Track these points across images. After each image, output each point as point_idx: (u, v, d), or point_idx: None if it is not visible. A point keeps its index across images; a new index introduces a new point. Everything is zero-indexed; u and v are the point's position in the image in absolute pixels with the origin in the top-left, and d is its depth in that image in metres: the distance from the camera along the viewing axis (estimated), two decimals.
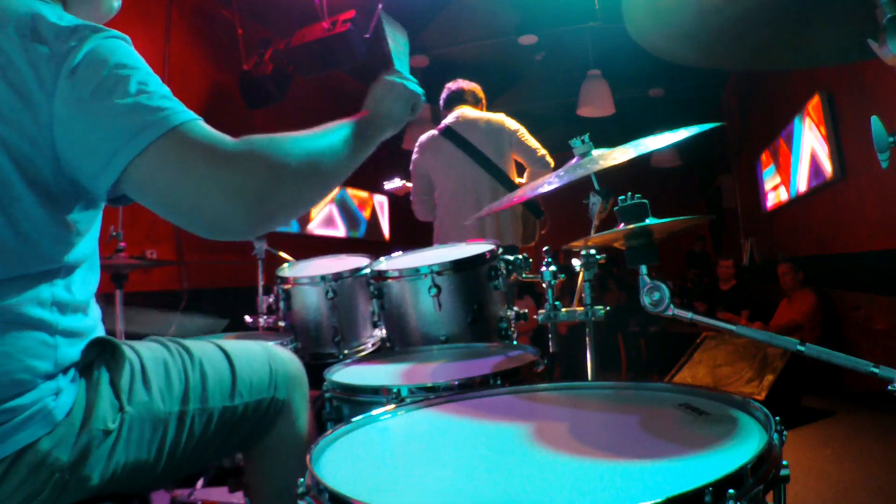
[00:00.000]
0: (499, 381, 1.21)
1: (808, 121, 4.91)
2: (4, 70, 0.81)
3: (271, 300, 2.21)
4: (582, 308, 1.49)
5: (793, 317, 4.75)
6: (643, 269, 1.00)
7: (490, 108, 3.16)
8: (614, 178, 1.11)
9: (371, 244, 6.91)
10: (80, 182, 0.86)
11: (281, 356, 1.20)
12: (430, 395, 1.16)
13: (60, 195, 0.87)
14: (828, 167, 4.56)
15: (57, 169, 0.84)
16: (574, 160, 1.35)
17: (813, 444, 3.35)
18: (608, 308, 1.50)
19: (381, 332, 1.82)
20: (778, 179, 6.06)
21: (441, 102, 3.16)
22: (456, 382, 1.20)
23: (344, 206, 6.56)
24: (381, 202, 7.36)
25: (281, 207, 0.87)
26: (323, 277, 1.94)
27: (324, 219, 6.16)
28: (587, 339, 1.51)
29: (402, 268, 1.69)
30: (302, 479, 0.74)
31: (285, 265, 2.25)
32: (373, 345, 2.00)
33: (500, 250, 1.76)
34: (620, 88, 6.23)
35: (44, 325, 0.87)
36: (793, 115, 5.24)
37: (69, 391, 0.89)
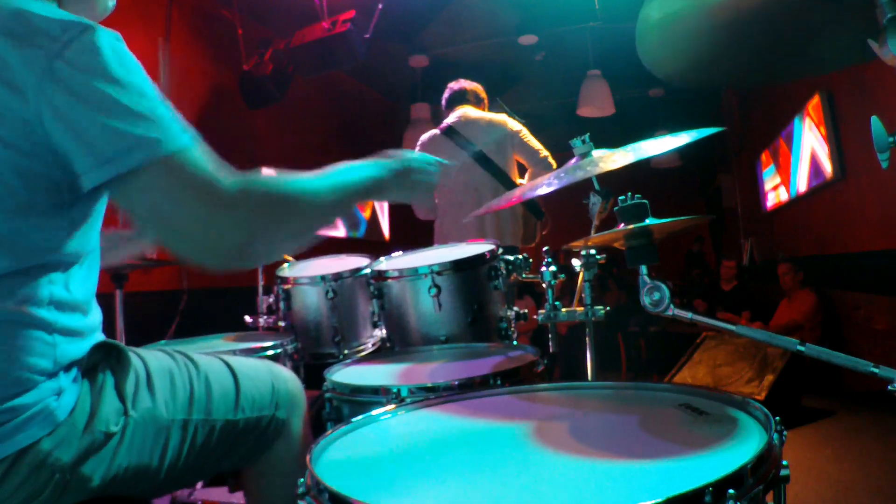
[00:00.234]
0: (499, 381, 1.21)
1: (808, 121, 4.91)
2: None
3: (271, 300, 2.21)
4: (582, 308, 1.49)
5: (793, 317, 4.75)
6: (643, 269, 1.00)
7: (491, 109, 3.16)
8: (614, 178, 1.11)
9: (371, 244, 6.91)
10: (73, 172, 0.85)
11: (283, 375, 1.21)
12: (430, 395, 1.16)
13: (57, 189, 0.86)
14: (828, 167, 4.56)
15: (55, 163, 0.83)
16: (574, 160, 1.35)
17: (813, 444, 3.35)
18: (608, 308, 1.50)
19: (381, 332, 1.82)
20: (778, 179, 6.06)
21: (443, 102, 3.16)
22: (456, 382, 1.20)
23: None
24: (381, 202, 7.35)
25: (261, 256, 0.89)
26: (323, 277, 1.94)
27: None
28: (587, 339, 1.51)
29: (402, 268, 1.69)
30: (302, 479, 0.74)
31: (285, 265, 2.25)
32: (373, 345, 2.00)
33: (500, 250, 1.76)
34: (620, 88, 6.23)
35: (42, 324, 0.87)
36: (793, 115, 5.24)
37: (71, 392, 0.89)
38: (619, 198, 1.02)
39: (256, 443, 1.13)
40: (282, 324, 2.10)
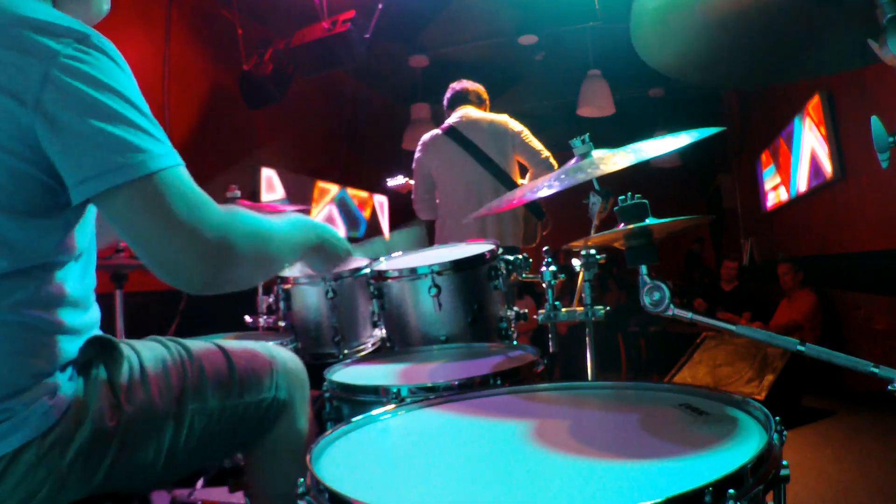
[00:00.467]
0: (499, 381, 1.21)
1: (808, 121, 4.91)
2: None
3: (271, 300, 2.21)
4: (582, 308, 1.49)
5: (793, 317, 4.75)
6: (643, 269, 1.00)
7: (490, 109, 3.16)
8: (614, 178, 1.11)
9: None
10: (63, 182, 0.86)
11: (282, 356, 1.20)
12: (430, 395, 1.16)
13: (53, 193, 0.86)
14: (828, 167, 4.56)
15: (49, 170, 0.84)
16: (574, 160, 1.35)
17: (813, 444, 3.35)
18: (608, 308, 1.50)
19: (381, 332, 1.82)
20: (778, 179, 6.06)
21: (444, 102, 3.16)
22: (456, 382, 1.20)
23: (344, 206, 6.56)
24: (381, 202, 7.35)
25: (229, 284, 0.91)
26: (323, 277, 1.94)
27: (324, 219, 6.16)
28: (587, 339, 1.51)
29: (402, 268, 1.69)
30: (302, 479, 0.74)
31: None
32: (373, 345, 2.00)
33: (500, 250, 1.76)
34: (620, 88, 6.23)
35: (40, 323, 0.87)
36: (793, 115, 5.24)
37: (67, 389, 0.89)
38: (619, 198, 1.02)
39: (258, 425, 1.12)
40: (282, 324, 2.10)
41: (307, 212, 5.79)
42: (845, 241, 4.57)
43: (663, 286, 0.98)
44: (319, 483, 0.71)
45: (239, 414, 1.08)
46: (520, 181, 2.96)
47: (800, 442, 3.40)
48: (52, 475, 0.85)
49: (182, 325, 3.76)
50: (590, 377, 1.48)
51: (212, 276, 0.87)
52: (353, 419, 1.00)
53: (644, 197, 1.01)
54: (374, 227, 7.18)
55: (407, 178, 3.16)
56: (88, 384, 0.92)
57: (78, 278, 0.94)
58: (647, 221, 0.98)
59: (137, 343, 1.05)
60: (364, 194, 7.01)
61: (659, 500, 0.57)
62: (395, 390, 1.19)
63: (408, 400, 1.14)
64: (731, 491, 0.59)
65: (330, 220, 6.26)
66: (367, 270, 1.85)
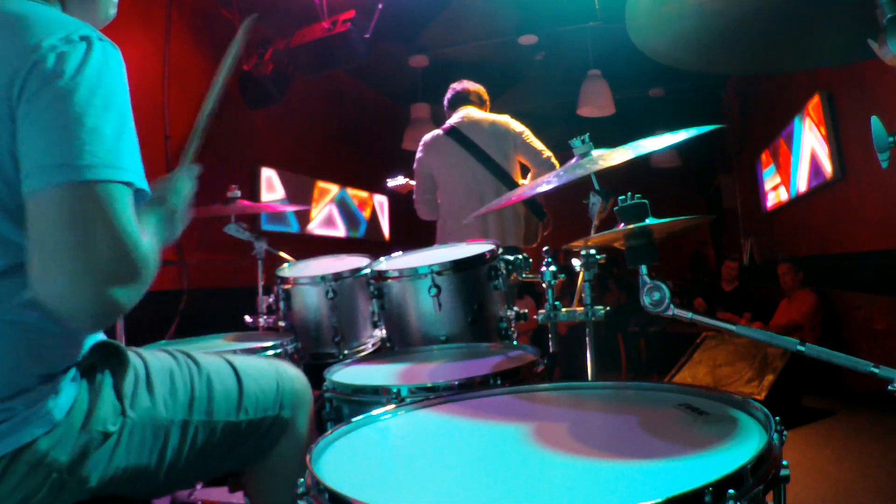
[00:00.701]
0: (499, 381, 1.21)
1: (808, 121, 4.91)
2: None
3: (271, 300, 2.21)
4: (582, 308, 1.49)
5: (793, 317, 4.74)
6: (643, 269, 1.00)
7: (490, 109, 3.16)
8: (614, 178, 1.11)
9: (371, 244, 6.91)
10: None
11: (289, 373, 1.21)
12: (430, 395, 1.16)
13: None
14: (828, 167, 4.56)
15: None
16: (574, 160, 1.35)
17: (813, 444, 3.35)
18: (608, 308, 1.50)
19: (381, 332, 1.82)
20: (778, 179, 6.06)
21: (445, 102, 3.16)
22: (456, 382, 1.20)
23: (344, 206, 6.56)
24: (381, 202, 7.36)
25: (115, 311, 0.81)
26: (323, 277, 1.94)
27: (324, 219, 6.16)
28: (587, 339, 1.51)
29: (402, 268, 1.69)
30: (302, 480, 0.74)
31: (285, 265, 2.25)
32: (373, 345, 2.00)
33: (500, 250, 1.76)
34: (620, 88, 6.23)
35: (43, 324, 0.87)
36: (793, 115, 5.24)
37: (69, 391, 0.89)
38: (619, 198, 1.02)
39: (260, 443, 1.13)
40: (282, 324, 2.10)
41: (307, 212, 5.76)
42: (845, 241, 4.57)
43: (663, 286, 0.97)
44: (319, 483, 0.71)
45: (242, 430, 1.08)
46: (521, 181, 2.96)
47: (800, 442, 3.40)
48: (51, 476, 0.85)
49: (182, 325, 3.76)
50: (590, 377, 1.48)
51: (92, 325, 0.82)
52: (353, 419, 1.00)
53: (644, 197, 1.01)
54: (374, 227, 7.18)
55: (407, 179, 3.16)
56: (92, 388, 0.92)
57: None
58: (647, 221, 0.98)
59: (145, 352, 1.05)
60: (364, 194, 7.01)
61: (659, 500, 0.57)
62: (395, 390, 1.19)
63: (408, 400, 1.14)
64: (731, 491, 0.59)
65: (330, 220, 6.26)
66: (367, 270, 1.85)
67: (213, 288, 4.24)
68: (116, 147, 0.81)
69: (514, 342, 1.71)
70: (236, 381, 1.10)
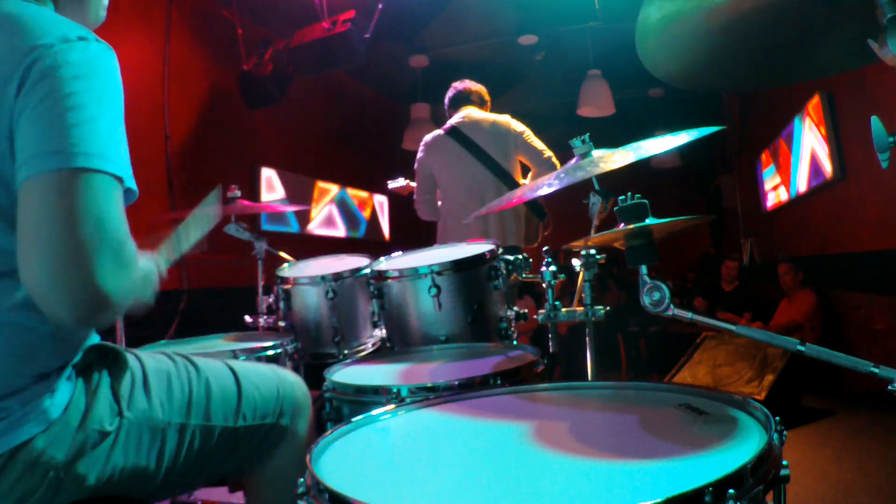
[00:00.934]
0: (499, 381, 1.21)
1: (808, 121, 4.91)
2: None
3: (271, 300, 2.21)
4: (582, 308, 1.49)
5: (793, 317, 4.74)
6: (643, 269, 1.00)
7: (490, 109, 3.16)
8: (614, 178, 1.11)
9: (371, 244, 6.91)
10: None
11: (290, 380, 1.20)
12: (430, 395, 1.16)
13: None
14: (828, 167, 4.56)
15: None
16: (574, 160, 1.35)
17: (813, 444, 3.35)
18: (608, 308, 1.50)
19: (381, 332, 1.82)
20: (778, 179, 6.06)
21: (446, 101, 3.15)
22: (456, 382, 1.20)
23: (344, 206, 6.56)
24: (381, 202, 7.36)
25: (103, 305, 0.79)
26: (323, 277, 1.94)
27: (324, 219, 6.16)
28: (587, 339, 1.51)
29: (402, 268, 1.69)
30: (302, 480, 0.74)
31: (285, 265, 2.25)
32: (373, 345, 2.00)
33: (500, 250, 1.76)
34: (620, 88, 6.23)
35: (38, 325, 0.87)
36: (793, 115, 5.24)
37: (64, 390, 0.89)
38: (619, 198, 1.02)
39: (258, 449, 1.13)
40: (282, 324, 2.10)
41: (307, 212, 5.76)
42: (845, 241, 4.57)
43: (663, 286, 0.97)
44: (319, 483, 0.71)
45: (240, 436, 1.08)
46: (522, 181, 2.96)
47: (800, 442, 3.40)
48: (49, 475, 0.85)
49: (182, 325, 3.76)
50: (590, 377, 1.48)
51: (93, 310, 0.78)
52: (353, 419, 1.00)
53: (644, 197, 1.01)
54: (374, 227, 7.19)
55: (407, 180, 3.16)
56: (89, 387, 0.92)
57: None
58: (647, 221, 0.98)
59: (143, 354, 1.05)
60: (364, 194, 7.01)
61: (659, 500, 0.57)
62: (395, 390, 1.19)
63: (408, 400, 1.14)
64: (731, 491, 0.59)
65: (330, 220, 6.26)
66: (367, 270, 1.85)
67: (213, 288, 4.24)
68: (109, 142, 0.81)
69: (514, 342, 1.71)
70: (236, 386, 1.09)
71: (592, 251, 1.47)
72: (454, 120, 3.02)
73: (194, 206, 1.19)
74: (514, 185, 2.90)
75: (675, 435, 0.83)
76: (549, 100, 7.54)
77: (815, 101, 4.64)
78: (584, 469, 0.73)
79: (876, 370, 0.84)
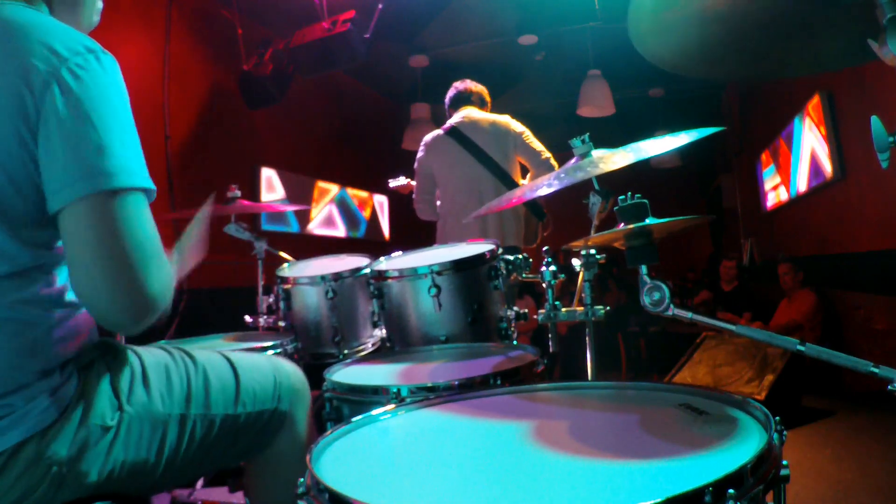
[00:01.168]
0: (499, 381, 1.21)
1: (808, 121, 4.91)
2: (10, 69, 0.83)
3: (271, 300, 2.21)
4: (582, 308, 1.49)
5: (793, 317, 4.74)
6: (643, 269, 1.00)
7: (490, 109, 3.16)
8: (614, 178, 1.11)
9: (371, 244, 6.91)
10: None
11: (286, 368, 1.21)
12: (430, 395, 1.16)
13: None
14: (828, 167, 4.56)
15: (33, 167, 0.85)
16: (574, 160, 1.35)
17: (813, 444, 3.35)
18: (608, 308, 1.50)
19: (381, 332, 1.82)
20: (778, 179, 6.06)
21: (447, 101, 3.15)
22: (456, 382, 1.20)
23: (344, 206, 6.56)
24: (381, 202, 7.36)
25: (153, 311, 0.88)
26: (323, 277, 1.94)
27: (324, 219, 6.16)
28: (587, 339, 1.51)
29: (402, 268, 1.69)
30: (302, 480, 0.74)
31: (285, 265, 2.25)
32: (373, 345, 2.00)
33: (500, 250, 1.76)
34: (620, 88, 6.23)
35: (39, 320, 0.88)
36: (793, 115, 5.24)
37: (67, 387, 0.89)
38: (619, 197, 1.02)
39: (259, 436, 1.13)
40: (282, 324, 2.10)
41: (307, 212, 5.77)
42: (845, 241, 4.57)
43: (663, 286, 0.97)
44: (319, 483, 0.71)
45: (241, 423, 1.09)
46: (521, 182, 2.96)
47: (800, 442, 3.40)
48: (51, 471, 0.85)
49: (182, 326, 3.76)
50: (590, 377, 1.48)
51: (139, 316, 0.86)
52: (353, 419, 1.00)
53: (644, 197, 1.01)
54: (374, 227, 7.19)
55: (408, 179, 3.16)
56: (90, 383, 0.93)
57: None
58: (647, 221, 0.98)
59: (141, 349, 1.06)
60: (364, 194, 7.01)
61: (659, 500, 0.57)
62: (395, 390, 1.19)
63: (408, 400, 1.14)
64: (731, 491, 0.59)
65: (330, 220, 6.26)
66: (367, 270, 1.85)
67: (212, 288, 4.23)
68: (131, 154, 0.87)
69: (514, 342, 1.71)
70: (233, 375, 1.10)
71: (592, 251, 1.47)
72: (454, 120, 3.02)
73: (194, 207, 1.20)
74: (514, 185, 2.90)
75: (675, 435, 0.83)
76: (549, 100, 7.54)
77: (815, 100, 4.64)
78: (584, 469, 0.73)
79: (876, 370, 0.84)
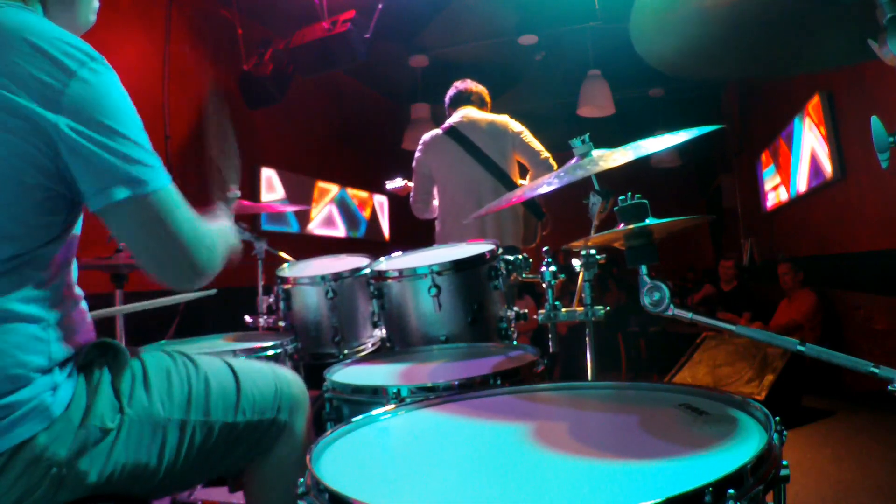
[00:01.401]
0: (499, 381, 1.21)
1: (808, 121, 4.91)
2: (15, 80, 0.83)
3: (271, 300, 2.21)
4: (582, 308, 1.49)
5: (793, 317, 4.74)
6: (643, 269, 1.00)
7: (490, 109, 3.16)
8: (614, 178, 1.11)
9: (371, 244, 6.91)
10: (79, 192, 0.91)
11: (287, 378, 1.21)
12: (430, 395, 1.16)
13: (58, 194, 0.89)
14: (828, 167, 4.56)
15: (57, 173, 0.87)
16: (574, 160, 1.35)
17: (813, 444, 3.35)
18: (608, 308, 1.50)
19: (381, 332, 1.82)
20: (778, 179, 6.06)
21: (447, 100, 3.15)
22: (456, 382, 1.20)
23: (344, 206, 6.56)
24: (381, 202, 7.36)
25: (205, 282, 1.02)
26: (323, 277, 1.94)
27: (324, 219, 6.16)
28: (587, 339, 1.51)
29: (401, 268, 1.69)
30: (302, 480, 0.74)
31: (285, 265, 2.25)
32: (373, 345, 2.00)
33: (500, 250, 1.76)
34: (620, 88, 6.23)
35: (34, 319, 0.88)
36: (793, 115, 5.24)
37: (66, 387, 0.89)
38: (619, 198, 1.02)
39: (257, 444, 1.13)
40: (282, 324, 2.10)
41: (307, 212, 5.77)
42: (845, 241, 4.57)
43: (663, 286, 0.97)
44: (319, 483, 0.71)
45: (240, 431, 1.09)
46: (520, 181, 2.96)
47: (800, 442, 3.40)
48: (51, 471, 0.85)
49: (182, 326, 3.76)
50: (590, 377, 1.48)
51: (199, 281, 1.00)
52: (353, 419, 1.00)
53: (644, 197, 1.01)
54: (374, 228, 7.18)
55: (405, 181, 3.16)
56: (90, 384, 0.93)
57: (69, 274, 0.96)
58: (647, 221, 0.98)
59: (143, 352, 1.06)
60: (364, 194, 7.01)
61: (659, 500, 0.57)
62: (395, 390, 1.19)
63: (408, 400, 1.14)
64: (731, 491, 0.59)
65: (330, 220, 6.26)
66: (367, 270, 1.85)
67: (212, 288, 4.23)
68: (151, 153, 0.92)
69: (514, 342, 1.71)
70: (234, 382, 1.10)
71: (592, 251, 1.47)
72: (452, 119, 3.02)
73: (194, 207, 1.20)
74: (512, 185, 2.90)
75: (675, 435, 0.83)
76: (549, 100, 7.54)
77: (815, 101, 4.64)
78: (584, 469, 0.73)
79: (876, 370, 0.84)
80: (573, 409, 1.04)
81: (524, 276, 1.76)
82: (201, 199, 1.31)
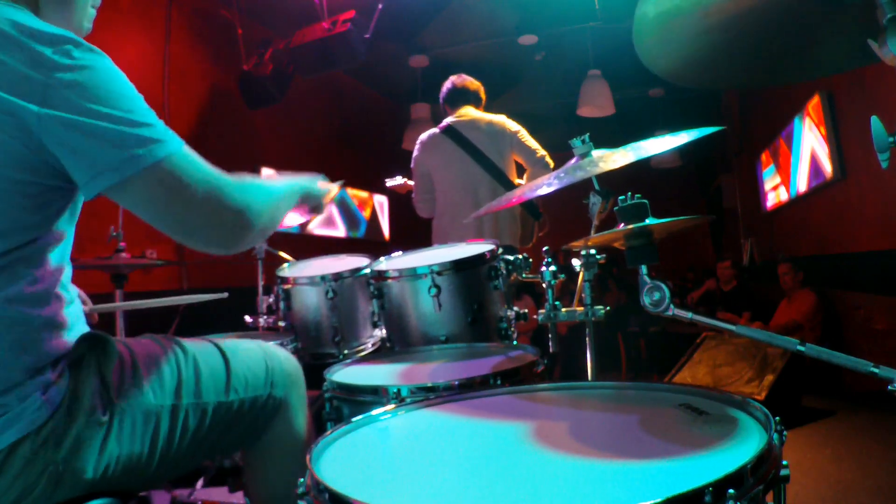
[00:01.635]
0: (499, 381, 1.21)
1: (808, 121, 4.91)
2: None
3: (271, 300, 2.21)
4: (582, 308, 1.48)
5: (793, 317, 4.75)
6: (643, 269, 1.00)
7: (490, 109, 3.15)
8: (614, 178, 1.11)
9: (371, 244, 6.91)
10: (70, 180, 0.88)
11: (277, 354, 1.21)
12: (430, 395, 1.16)
13: (54, 192, 0.88)
14: (828, 167, 4.56)
15: (45, 165, 0.86)
16: (574, 160, 1.35)
17: (813, 444, 3.35)
18: (608, 308, 1.50)
19: (381, 332, 1.82)
20: (778, 179, 6.06)
21: (443, 95, 3.13)
22: (456, 382, 1.20)
23: (344, 206, 6.55)
24: (381, 202, 7.36)
25: (248, 244, 1.00)
26: (323, 277, 1.94)
27: (324, 219, 6.16)
28: (587, 339, 1.51)
29: (401, 268, 1.69)
30: (302, 480, 0.74)
31: (285, 265, 2.25)
32: (373, 345, 2.00)
33: (500, 250, 1.76)
34: (620, 88, 6.23)
35: (29, 318, 0.88)
36: (793, 115, 5.25)
37: (59, 384, 0.89)
38: (619, 198, 1.02)
39: (253, 423, 1.13)
40: (282, 324, 2.10)
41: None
42: (845, 241, 4.57)
43: (663, 286, 0.97)
44: (319, 483, 0.71)
45: (234, 411, 1.09)
46: (517, 180, 2.96)
47: (800, 442, 3.40)
48: (47, 470, 0.85)
49: (182, 325, 3.76)
50: (590, 377, 1.48)
51: (234, 241, 0.95)
52: (353, 419, 1.00)
53: (644, 197, 1.01)
54: (374, 227, 7.18)
55: (405, 179, 3.16)
56: (80, 379, 0.92)
57: (61, 272, 0.95)
58: (647, 221, 0.98)
59: (130, 340, 1.06)
60: (364, 194, 7.01)
61: (659, 500, 0.57)
62: (395, 390, 1.19)
63: (408, 400, 1.14)
64: (731, 491, 0.59)
65: (330, 220, 6.26)
66: (367, 270, 1.85)
67: (212, 288, 4.23)
68: (145, 126, 0.89)
69: (514, 342, 1.71)
70: (223, 362, 1.10)
71: (592, 251, 1.47)
72: (450, 119, 3.02)
73: None
74: (509, 184, 2.90)
75: (675, 435, 0.83)
76: (549, 100, 7.55)
77: (815, 101, 4.64)
78: (583, 469, 0.73)
79: (876, 370, 0.84)
80: (573, 409, 1.04)
81: (524, 276, 1.76)
82: None
